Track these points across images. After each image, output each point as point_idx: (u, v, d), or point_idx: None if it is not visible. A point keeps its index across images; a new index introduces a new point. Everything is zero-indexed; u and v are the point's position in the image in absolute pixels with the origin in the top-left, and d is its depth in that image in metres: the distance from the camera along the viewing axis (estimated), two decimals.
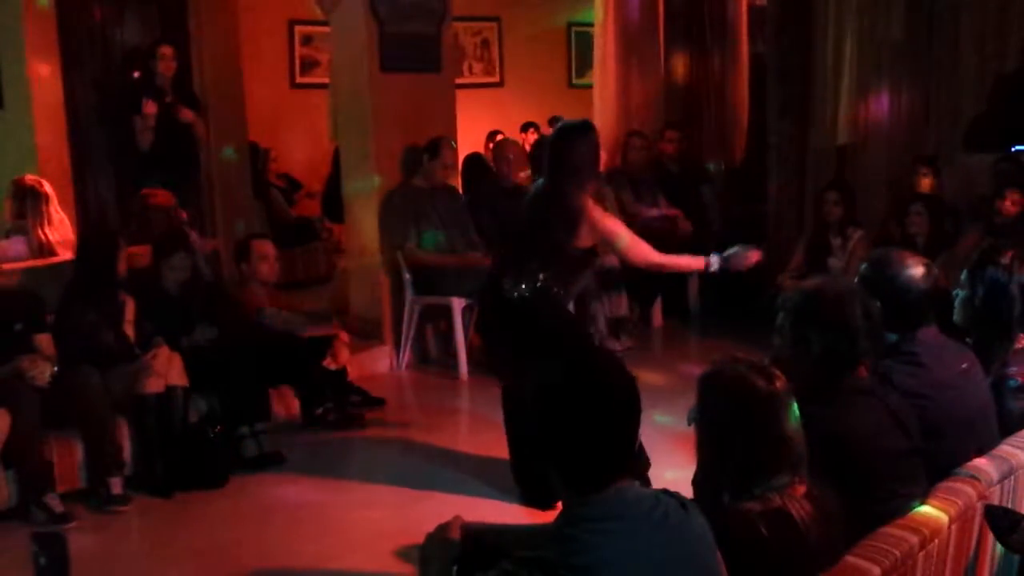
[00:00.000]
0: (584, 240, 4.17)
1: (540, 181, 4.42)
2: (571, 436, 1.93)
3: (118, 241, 4.94)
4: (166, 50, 6.64)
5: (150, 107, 6.57)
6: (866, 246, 6.12)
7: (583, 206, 4.12)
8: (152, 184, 6.20)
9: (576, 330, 4.52)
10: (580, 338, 4.43)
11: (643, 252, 4.31)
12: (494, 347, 4.53)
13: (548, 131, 10.10)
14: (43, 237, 5.55)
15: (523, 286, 4.17)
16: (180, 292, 5.13)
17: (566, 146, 4.21)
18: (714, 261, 4.24)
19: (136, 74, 6.66)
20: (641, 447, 4.33)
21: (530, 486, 4.31)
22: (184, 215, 6.03)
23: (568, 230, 4.13)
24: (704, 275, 4.67)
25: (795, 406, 2.22)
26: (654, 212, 7.60)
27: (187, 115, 6.79)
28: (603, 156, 7.48)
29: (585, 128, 4.28)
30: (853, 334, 2.52)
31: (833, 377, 2.54)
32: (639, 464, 4.24)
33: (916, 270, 2.93)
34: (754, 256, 4.26)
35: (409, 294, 6.50)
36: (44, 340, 4.61)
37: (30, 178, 5.69)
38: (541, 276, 4.16)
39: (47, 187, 5.68)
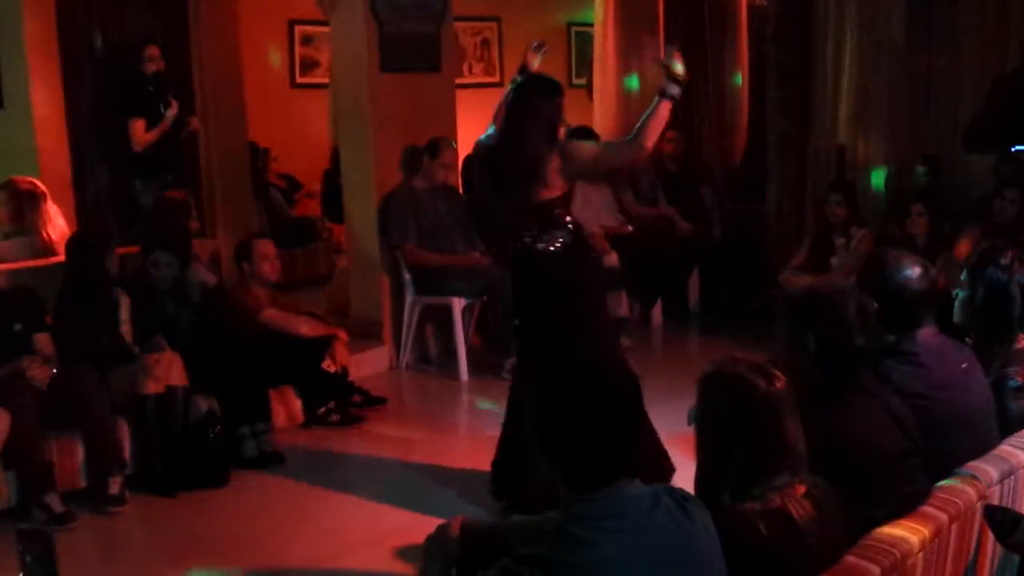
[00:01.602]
0: (554, 188, 4.02)
1: (489, 137, 4.26)
2: (573, 433, 1.94)
3: (105, 241, 4.92)
4: (154, 51, 6.63)
5: (175, 108, 6.59)
6: (869, 246, 6.12)
7: (543, 153, 3.97)
8: (155, 185, 6.23)
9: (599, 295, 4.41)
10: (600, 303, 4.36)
11: (625, 148, 4.19)
12: (531, 313, 4.29)
13: None
14: (46, 237, 5.56)
15: (554, 240, 4.06)
16: (173, 290, 5.13)
17: (534, 99, 4.07)
18: (669, 87, 4.02)
19: (148, 71, 6.64)
20: (665, 453, 4.26)
21: (507, 482, 4.29)
22: (195, 223, 6.02)
23: (532, 179, 3.99)
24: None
25: (795, 407, 2.22)
26: (651, 211, 7.62)
27: (195, 123, 6.88)
28: None
29: (554, 89, 4.13)
30: (848, 331, 2.52)
31: (831, 376, 2.53)
32: (663, 470, 4.18)
33: (913, 270, 2.93)
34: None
35: (409, 294, 6.50)
36: (44, 340, 4.61)
37: (24, 180, 5.64)
38: (569, 226, 4.07)
39: (41, 186, 5.67)
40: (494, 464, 4.47)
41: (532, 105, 4.06)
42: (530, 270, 4.17)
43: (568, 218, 4.11)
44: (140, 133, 6.54)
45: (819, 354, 2.54)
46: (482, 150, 4.34)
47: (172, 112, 6.57)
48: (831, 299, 2.59)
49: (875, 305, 2.63)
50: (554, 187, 4.04)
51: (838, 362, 2.54)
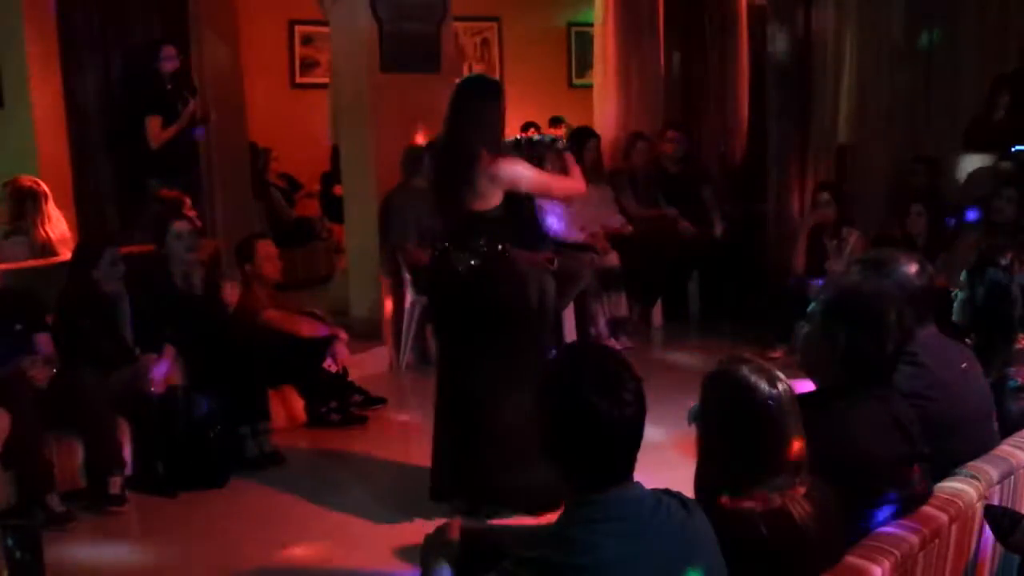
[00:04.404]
0: (490, 199, 3.94)
1: (441, 140, 4.22)
2: (578, 435, 1.93)
3: (102, 249, 4.91)
4: (170, 50, 6.65)
5: (192, 105, 6.60)
6: (864, 246, 6.09)
7: (480, 157, 3.91)
8: (159, 185, 6.24)
9: (527, 295, 4.30)
10: (528, 305, 4.25)
11: (554, 182, 4.22)
12: (447, 325, 4.32)
13: (548, 131, 10.12)
14: (45, 236, 5.57)
15: (470, 256, 3.99)
16: (186, 284, 5.14)
17: (479, 102, 4.02)
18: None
19: (165, 70, 6.66)
20: None
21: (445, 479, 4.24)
22: (198, 220, 6.03)
23: (469, 188, 3.93)
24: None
25: (797, 408, 2.21)
26: (652, 212, 7.63)
27: (212, 115, 6.91)
28: (605, 157, 7.61)
29: (497, 89, 4.11)
30: (883, 338, 2.49)
31: (851, 377, 2.51)
32: None
33: (909, 268, 2.92)
34: None
35: (409, 294, 6.50)
36: (44, 340, 4.61)
37: (26, 179, 5.67)
38: (482, 242, 3.98)
39: (43, 186, 5.69)
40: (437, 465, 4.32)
41: (475, 107, 4.01)
42: (446, 285, 4.13)
43: (495, 237, 3.98)
44: (157, 131, 6.55)
45: (846, 353, 2.50)
46: (432, 151, 4.31)
47: (189, 109, 6.58)
48: (875, 302, 2.55)
49: (912, 316, 2.59)
50: (487, 199, 3.96)
51: (863, 366, 2.51)
